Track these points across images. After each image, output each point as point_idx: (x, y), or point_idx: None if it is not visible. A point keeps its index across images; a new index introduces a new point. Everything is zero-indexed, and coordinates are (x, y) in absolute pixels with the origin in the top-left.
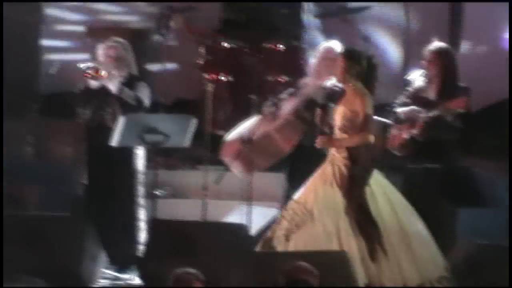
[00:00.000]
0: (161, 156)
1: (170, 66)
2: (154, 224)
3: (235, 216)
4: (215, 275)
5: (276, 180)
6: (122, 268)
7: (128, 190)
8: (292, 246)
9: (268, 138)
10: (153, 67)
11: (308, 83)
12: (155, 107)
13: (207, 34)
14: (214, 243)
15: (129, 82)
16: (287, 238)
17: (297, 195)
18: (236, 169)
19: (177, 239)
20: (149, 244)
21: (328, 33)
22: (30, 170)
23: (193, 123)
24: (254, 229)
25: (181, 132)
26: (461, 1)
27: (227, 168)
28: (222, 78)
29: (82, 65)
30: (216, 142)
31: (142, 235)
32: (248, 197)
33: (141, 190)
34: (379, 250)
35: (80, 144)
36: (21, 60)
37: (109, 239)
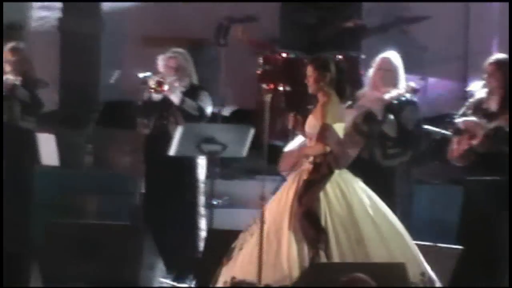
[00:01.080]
0: (219, 165)
1: (228, 76)
2: (211, 234)
3: None
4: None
5: None
6: (179, 277)
7: (189, 199)
8: (242, 254)
9: None
10: (211, 77)
11: (366, 94)
12: (213, 117)
13: (265, 45)
14: None
15: (190, 92)
16: (241, 247)
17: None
18: None
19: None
20: (206, 253)
21: (386, 44)
22: (89, 179)
23: (251, 133)
24: None
25: (238, 142)
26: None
27: (284, 179)
28: (280, 88)
29: (142, 75)
30: (274, 152)
31: (201, 244)
32: None
33: (201, 199)
34: (323, 256)
35: (139, 153)
36: (81, 70)
37: (168, 247)
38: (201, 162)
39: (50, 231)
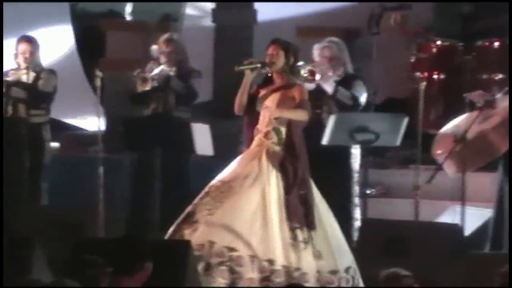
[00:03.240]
0: (372, 154)
1: (382, 64)
2: (366, 224)
3: (447, 216)
4: (427, 276)
5: (491, 180)
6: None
7: (345, 189)
8: (215, 220)
9: (482, 137)
10: (365, 65)
11: None
12: (366, 106)
13: (419, 33)
14: (426, 244)
15: (345, 81)
16: (210, 212)
17: (221, 174)
18: (449, 168)
19: (389, 239)
20: (361, 244)
21: None
22: None
23: (405, 121)
24: (468, 230)
25: (392, 131)
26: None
27: (439, 167)
28: (435, 76)
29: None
30: (428, 141)
31: (356, 234)
32: (461, 197)
33: (355, 189)
34: (306, 233)
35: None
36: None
37: None
38: (355, 152)
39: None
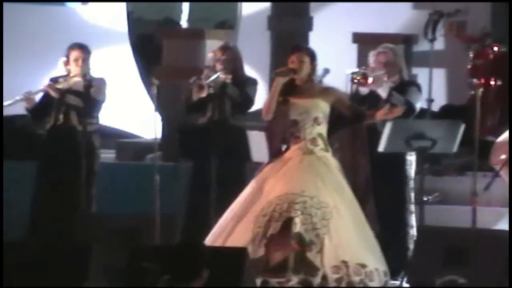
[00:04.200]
0: (428, 162)
1: (438, 71)
2: (422, 231)
3: (505, 223)
4: (484, 285)
5: None
6: (391, 275)
7: (400, 196)
8: (337, 238)
9: None
10: (421, 72)
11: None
12: (423, 113)
13: (476, 38)
14: (483, 251)
15: (400, 87)
16: (321, 232)
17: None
18: (506, 175)
19: (446, 247)
20: (418, 251)
21: None
22: None
23: (461, 128)
24: None
25: (449, 137)
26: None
27: (496, 174)
28: (492, 83)
29: (350, 72)
30: (485, 148)
31: (411, 241)
32: None
33: (411, 196)
34: None
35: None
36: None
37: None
38: (410, 158)
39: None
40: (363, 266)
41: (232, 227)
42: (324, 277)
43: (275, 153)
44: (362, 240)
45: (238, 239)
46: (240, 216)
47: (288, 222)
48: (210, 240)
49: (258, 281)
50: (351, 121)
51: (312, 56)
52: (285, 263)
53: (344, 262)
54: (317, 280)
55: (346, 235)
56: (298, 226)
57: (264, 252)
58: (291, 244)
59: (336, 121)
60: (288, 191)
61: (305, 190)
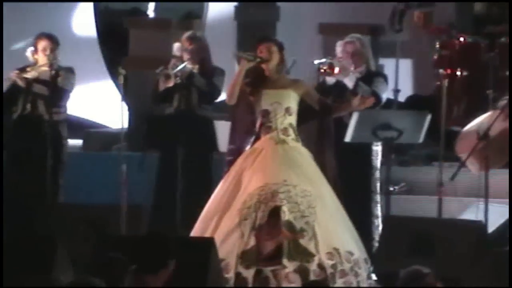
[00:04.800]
0: (395, 152)
1: (404, 61)
2: (389, 221)
3: (471, 213)
4: (450, 274)
5: None
6: None
7: (365, 186)
8: (325, 225)
9: (505, 135)
10: (388, 62)
11: None
12: (389, 103)
13: (442, 30)
14: (450, 241)
15: (367, 78)
16: (310, 219)
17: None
18: (472, 165)
19: (412, 236)
20: (384, 241)
21: None
22: None
23: (428, 119)
24: (491, 227)
25: (415, 128)
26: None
27: (462, 164)
28: (458, 73)
29: (316, 62)
30: (451, 138)
31: (377, 232)
32: (485, 194)
33: (377, 186)
34: None
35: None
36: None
37: None
38: (376, 149)
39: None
40: (351, 253)
41: (217, 223)
42: (320, 264)
43: (240, 144)
44: (346, 228)
45: (226, 233)
46: (222, 211)
47: (275, 211)
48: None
49: (252, 271)
50: (319, 114)
51: (281, 46)
52: (279, 251)
53: (336, 249)
54: (313, 267)
55: (332, 223)
56: (287, 214)
57: (255, 242)
58: (282, 232)
59: (303, 113)
60: (269, 181)
61: (287, 179)
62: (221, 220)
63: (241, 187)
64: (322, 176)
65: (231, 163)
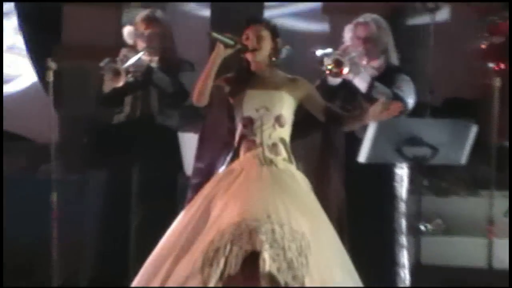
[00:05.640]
0: (427, 176)
1: (439, 52)
2: (419, 272)
3: None
4: None
5: None
6: None
7: (386, 224)
8: None
9: None
10: (418, 54)
11: None
12: (419, 109)
13: (493, 9)
14: None
15: (386, 76)
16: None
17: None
18: None
19: None
20: None
21: None
22: None
23: (473, 131)
24: None
25: (455, 143)
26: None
27: None
28: None
29: (320, 53)
30: (504, 158)
31: (403, 284)
32: None
33: (402, 223)
34: None
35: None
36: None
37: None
38: (401, 172)
39: None
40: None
41: (171, 266)
42: None
43: (211, 162)
44: (346, 277)
45: (181, 281)
46: (180, 250)
47: (252, 258)
48: (140, 282)
49: None
50: (324, 126)
51: (274, 31)
52: None
53: None
54: None
55: (329, 273)
56: (268, 264)
57: None
58: (259, 286)
59: (301, 125)
60: (247, 215)
61: (272, 214)
62: (177, 264)
63: (208, 220)
64: (322, 211)
65: (197, 187)
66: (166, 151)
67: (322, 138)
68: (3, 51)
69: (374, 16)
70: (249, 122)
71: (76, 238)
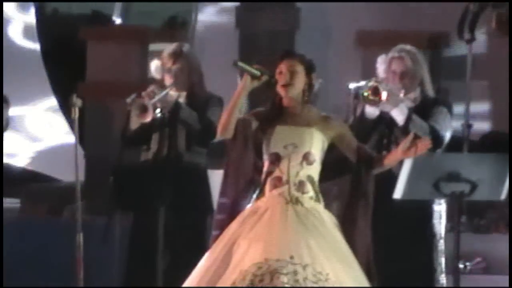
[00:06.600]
0: (467, 213)
1: (478, 82)
2: None
3: None
4: None
5: None
6: None
7: (424, 262)
8: None
9: None
10: (454, 86)
11: None
12: (456, 144)
13: None
14: None
15: (422, 108)
16: None
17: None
18: None
19: None
20: None
21: None
22: None
23: None
24: None
25: (495, 178)
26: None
27: None
28: None
29: (353, 86)
30: None
31: None
32: None
33: (442, 263)
34: None
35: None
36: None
37: None
38: (440, 209)
39: None
40: None
41: None
42: None
43: (236, 197)
44: None
45: None
46: None
47: None
48: None
49: None
50: (355, 167)
51: (309, 66)
52: None
53: None
54: None
55: None
56: None
57: None
58: None
59: (331, 165)
60: (269, 256)
61: (294, 255)
62: None
63: (231, 261)
64: (349, 252)
65: (221, 223)
66: (195, 190)
67: (352, 179)
68: None
69: (409, 48)
70: (276, 159)
71: (102, 282)
